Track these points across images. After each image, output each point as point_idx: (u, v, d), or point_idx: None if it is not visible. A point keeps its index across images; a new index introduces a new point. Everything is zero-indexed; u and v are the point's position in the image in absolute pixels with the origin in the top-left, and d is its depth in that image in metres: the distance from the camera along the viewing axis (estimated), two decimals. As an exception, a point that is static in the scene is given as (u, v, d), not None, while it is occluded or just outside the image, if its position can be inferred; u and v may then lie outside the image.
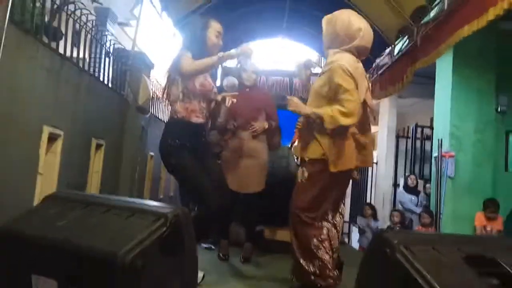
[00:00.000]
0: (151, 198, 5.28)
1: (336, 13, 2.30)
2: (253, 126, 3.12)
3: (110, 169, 3.75)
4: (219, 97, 2.45)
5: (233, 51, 2.36)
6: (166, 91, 2.45)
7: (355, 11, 4.11)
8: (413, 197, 6.01)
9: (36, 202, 2.45)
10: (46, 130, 2.57)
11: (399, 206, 6.28)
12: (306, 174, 2.27)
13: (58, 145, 2.76)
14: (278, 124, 3.34)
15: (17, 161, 2.34)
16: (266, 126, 3.17)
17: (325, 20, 2.33)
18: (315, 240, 2.22)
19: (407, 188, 6.16)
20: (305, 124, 2.35)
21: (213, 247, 3.50)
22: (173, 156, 2.35)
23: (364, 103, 2.25)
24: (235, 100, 2.45)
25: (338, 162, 2.18)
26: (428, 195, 5.94)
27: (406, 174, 6.84)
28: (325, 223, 2.30)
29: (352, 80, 2.12)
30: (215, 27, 2.44)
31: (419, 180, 6.50)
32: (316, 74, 5.54)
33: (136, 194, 4.42)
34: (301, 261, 2.23)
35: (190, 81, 2.34)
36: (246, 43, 5.69)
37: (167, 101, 2.50)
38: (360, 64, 2.28)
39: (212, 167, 2.51)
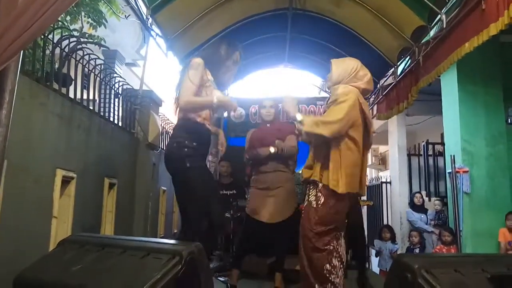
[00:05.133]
0: (165, 233, 5.26)
1: (346, 58, 2.65)
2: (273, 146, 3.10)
3: (123, 207, 3.76)
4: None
5: (227, 101, 2.44)
6: (177, 99, 2.47)
7: (355, 35, 4.24)
8: (422, 216, 5.87)
9: (51, 246, 2.45)
10: (60, 173, 2.61)
11: (410, 226, 6.15)
12: (322, 199, 2.31)
13: (72, 187, 2.79)
14: (295, 149, 3.33)
15: (32, 206, 2.37)
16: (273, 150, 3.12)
17: (334, 61, 2.57)
18: (327, 265, 2.27)
19: (414, 207, 6.03)
20: (317, 147, 2.45)
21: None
22: (187, 159, 2.32)
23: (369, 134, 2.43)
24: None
25: (346, 185, 2.28)
26: (437, 212, 5.81)
27: (413, 192, 6.71)
28: (337, 247, 2.33)
29: (355, 108, 2.30)
30: (236, 57, 2.62)
31: (432, 198, 6.38)
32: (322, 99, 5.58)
33: (151, 231, 4.41)
34: (316, 286, 2.27)
35: (204, 90, 2.41)
36: (250, 73, 5.82)
37: (178, 109, 2.49)
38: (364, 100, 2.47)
39: (213, 183, 2.55)
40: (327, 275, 2.25)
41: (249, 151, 3.30)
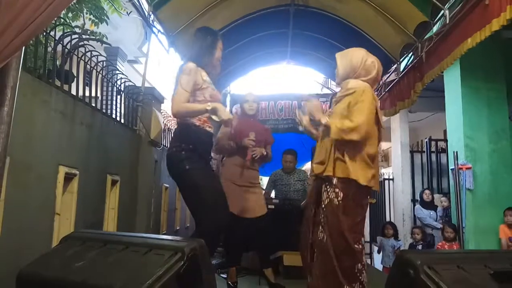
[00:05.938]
0: (167, 230, 5.27)
1: (350, 50, 2.52)
2: (255, 149, 3.23)
3: (126, 204, 3.77)
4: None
5: (221, 111, 2.32)
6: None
7: (357, 31, 4.22)
8: (432, 212, 5.84)
9: (54, 242, 2.46)
10: (62, 170, 2.62)
11: (418, 223, 6.14)
12: (341, 194, 2.25)
13: (74, 184, 2.79)
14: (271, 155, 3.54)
15: (35, 203, 2.38)
16: (265, 153, 3.31)
17: (339, 55, 2.51)
18: (359, 264, 2.22)
19: (423, 204, 6.01)
20: (328, 142, 2.38)
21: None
22: (186, 161, 2.30)
23: (380, 127, 2.38)
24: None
25: (364, 176, 2.23)
26: (444, 209, 5.79)
27: (421, 189, 6.69)
28: (361, 246, 2.30)
29: (373, 105, 2.27)
30: (220, 44, 2.60)
31: (436, 194, 6.36)
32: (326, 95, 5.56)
33: (153, 227, 4.42)
34: (346, 286, 2.19)
35: (201, 93, 2.39)
36: (253, 70, 5.81)
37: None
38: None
39: (217, 182, 2.55)
40: (358, 274, 2.20)
41: (239, 137, 3.26)
